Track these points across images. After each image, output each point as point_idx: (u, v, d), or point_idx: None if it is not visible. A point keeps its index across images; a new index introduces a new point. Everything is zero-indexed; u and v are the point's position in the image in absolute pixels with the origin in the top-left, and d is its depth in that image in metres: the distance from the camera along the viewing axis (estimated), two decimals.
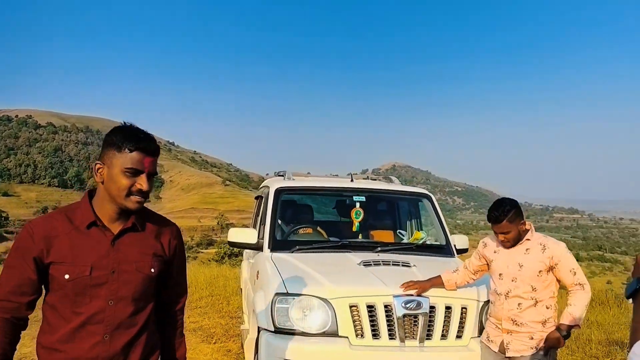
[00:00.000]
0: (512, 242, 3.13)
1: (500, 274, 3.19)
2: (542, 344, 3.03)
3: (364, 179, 6.02)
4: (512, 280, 3.12)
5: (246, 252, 6.15)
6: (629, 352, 1.08)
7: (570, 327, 3.00)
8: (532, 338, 3.06)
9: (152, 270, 1.85)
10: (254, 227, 5.92)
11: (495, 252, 3.27)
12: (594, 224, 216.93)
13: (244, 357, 5.58)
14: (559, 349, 3.18)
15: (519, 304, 3.09)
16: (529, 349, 3.06)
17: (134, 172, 1.74)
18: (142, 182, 1.76)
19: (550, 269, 3.07)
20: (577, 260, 3.17)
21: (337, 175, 6.23)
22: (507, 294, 3.13)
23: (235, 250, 29.93)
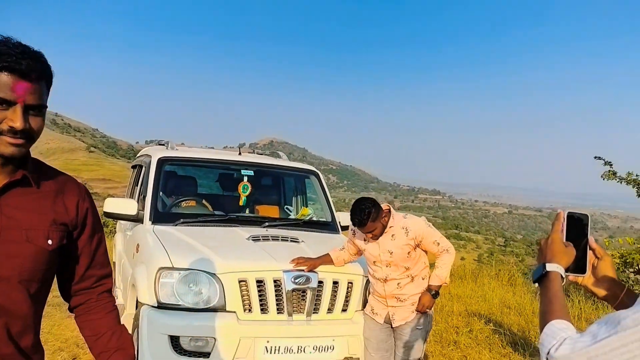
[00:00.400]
0: (379, 235, 3.31)
1: (374, 262, 3.38)
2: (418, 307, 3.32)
3: (250, 152, 5.92)
4: (387, 266, 3.33)
5: (121, 223, 5.80)
6: (540, 334, 1.15)
7: (438, 287, 3.34)
8: (413, 304, 3.34)
9: (50, 242, 1.37)
10: (130, 197, 5.59)
11: (365, 240, 3.42)
12: (453, 205, 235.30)
13: None
14: (432, 311, 3.51)
15: (398, 284, 3.32)
16: (412, 313, 3.33)
17: (2, 103, 1.23)
18: (14, 117, 1.23)
19: (417, 246, 3.32)
20: None
21: (212, 148, 6.07)
22: (385, 279, 3.33)
23: (107, 222, 28.31)
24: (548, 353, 1.07)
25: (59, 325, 5.46)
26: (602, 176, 9.38)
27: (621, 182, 9.18)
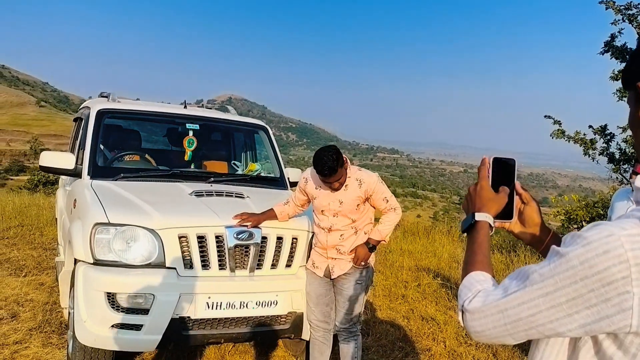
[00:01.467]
0: (341, 185, 3.24)
1: (322, 210, 3.33)
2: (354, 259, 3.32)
3: (198, 107, 5.74)
4: (334, 216, 3.29)
5: (62, 179, 5.59)
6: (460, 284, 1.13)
7: (377, 242, 3.35)
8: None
9: None
10: (72, 151, 5.37)
11: (317, 188, 3.36)
12: (411, 164, 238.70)
13: (57, 290, 5.17)
14: (374, 268, 3.54)
15: (341, 235, 3.30)
16: (351, 266, 3.33)
17: None
18: None
19: (367, 199, 3.30)
20: (395, 196, 3.43)
21: (169, 103, 5.87)
22: (329, 228, 3.30)
23: (52, 178, 27.48)
24: (462, 305, 1.07)
25: None
26: (551, 135, 9.60)
27: (569, 141, 9.43)
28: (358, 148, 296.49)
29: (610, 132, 9.18)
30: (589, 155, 9.27)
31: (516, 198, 1.32)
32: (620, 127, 8.90)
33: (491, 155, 1.32)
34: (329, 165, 3.08)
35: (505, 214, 1.29)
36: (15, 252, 6.68)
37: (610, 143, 9.13)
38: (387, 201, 3.31)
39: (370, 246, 3.32)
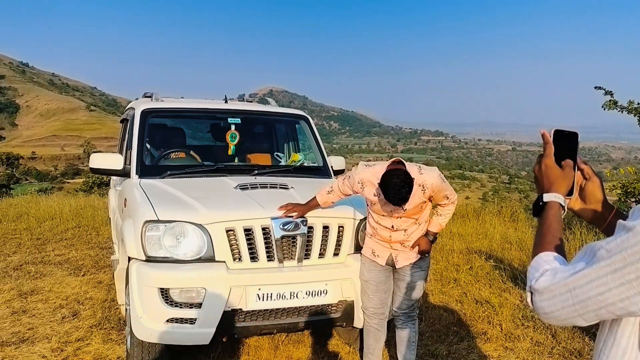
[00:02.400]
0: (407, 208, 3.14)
1: (383, 215, 3.22)
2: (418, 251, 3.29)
3: (239, 101, 5.78)
4: (397, 218, 3.20)
5: (113, 179, 5.75)
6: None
7: (436, 234, 3.34)
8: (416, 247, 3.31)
9: None
10: (120, 152, 5.51)
11: (375, 195, 3.17)
12: (457, 145, 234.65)
13: (115, 288, 5.35)
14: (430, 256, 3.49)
15: (405, 231, 3.24)
16: (415, 256, 3.30)
17: None
18: None
19: (429, 198, 3.19)
20: None
21: (212, 99, 5.94)
22: (391, 227, 3.23)
23: (105, 179, 28.44)
24: (530, 285, 1.03)
25: (60, 283, 5.50)
26: (602, 106, 9.18)
27: (622, 112, 9.00)
28: (401, 133, 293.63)
29: None
30: None
31: (577, 173, 1.24)
32: None
33: (551, 129, 1.24)
34: (400, 196, 2.85)
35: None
36: (74, 252, 6.94)
37: None
38: (448, 197, 3.23)
39: (432, 238, 3.31)
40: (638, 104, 8.81)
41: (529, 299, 1.04)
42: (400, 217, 3.19)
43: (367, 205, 3.36)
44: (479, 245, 7.35)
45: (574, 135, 1.23)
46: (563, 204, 1.18)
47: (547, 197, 1.18)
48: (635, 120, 8.99)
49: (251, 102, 5.81)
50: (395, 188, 2.83)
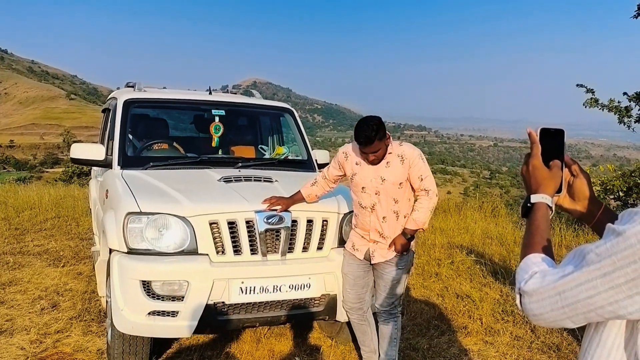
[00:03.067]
0: (380, 159, 3.16)
1: (363, 187, 3.24)
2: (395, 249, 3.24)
3: (223, 92, 5.73)
4: (376, 194, 3.20)
5: (94, 169, 5.67)
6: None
7: (414, 231, 3.23)
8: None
9: None
10: (102, 142, 5.44)
11: (357, 164, 3.27)
12: (439, 140, 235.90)
13: (95, 279, 5.29)
14: (415, 251, 3.46)
15: (383, 217, 3.22)
16: (391, 252, 3.25)
17: None
18: None
19: (408, 177, 3.19)
20: None
21: (195, 90, 5.89)
22: (372, 207, 3.22)
23: (85, 169, 28.08)
24: (519, 287, 1.04)
25: (39, 274, 5.43)
26: (584, 104, 9.31)
27: (603, 110, 9.14)
28: (385, 126, 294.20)
29: None
30: (624, 123, 8.98)
31: (565, 171, 1.25)
32: None
33: (537, 127, 1.25)
34: (366, 134, 3.00)
35: None
36: (53, 243, 6.85)
37: None
38: (422, 180, 3.17)
39: (409, 237, 3.21)
40: (618, 102, 8.96)
41: (518, 301, 1.04)
42: (379, 194, 3.17)
43: (350, 185, 3.36)
44: (460, 240, 7.42)
45: (561, 132, 1.24)
46: (551, 205, 1.19)
47: (534, 199, 1.19)
48: (615, 118, 9.14)
49: (235, 94, 5.77)
50: (363, 126, 3.02)
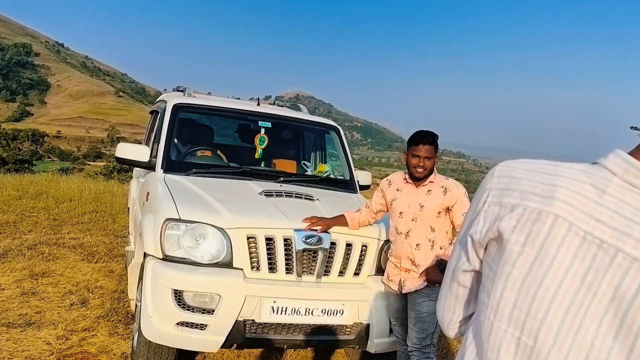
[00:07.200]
0: (426, 171, 3.08)
1: (400, 212, 3.16)
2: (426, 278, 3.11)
3: (270, 104, 5.70)
4: (413, 220, 3.11)
5: (136, 169, 5.71)
6: None
7: None
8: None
9: None
10: (147, 144, 5.47)
11: (398, 190, 3.22)
12: (477, 169, 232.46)
13: (126, 279, 5.29)
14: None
15: (417, 245, 3.11)
16: (423, 283, 3.11)
17: None
18: None
19: (448, 210, 3.11)
20: None
21: (239, 99, 5.88)
22: (407, 233, 3.12)
23: (126, 166, 28.69)
24: None
25: (72, 268, 5.46)
26: None
27: None
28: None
29: None
30: None
31: None
32: None
33: None
34: (425, 134, 3.07)
35: None
36: (89, 237, 6.92)
37: None
38: None
39: (443, 267, 3.05)
40: None
41: None
42: (416, 220, 3.08)
43: (390, 212, 3.28)
44: None
45: None
46: None
47: None
48: None
49: (282, 106, 5.74)
50: (423, 131, 3.11)
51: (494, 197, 0.89)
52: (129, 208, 6.01)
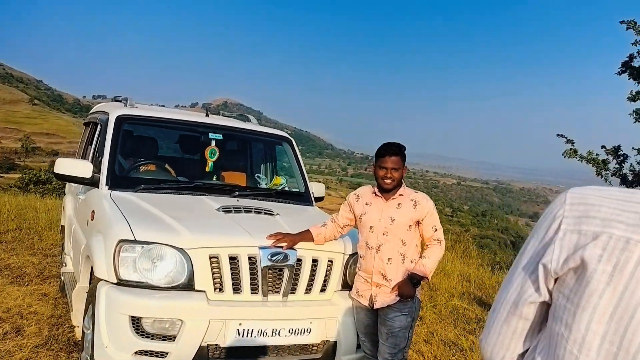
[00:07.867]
0: (394, 182, 3.08)
1: (371, 227, 3.12)
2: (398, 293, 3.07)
3: (214, 115, 5.52)
4: (384, 234, 3.08)
5: (71, 185, 5.33)
6: None
7: (421, 278, 3.06)
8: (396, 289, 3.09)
9: None
10: (82, 157, 5.13)
11: (367, 204, 3.19)
12: (405, 175, 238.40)
13: (62, 302, 4.91)
14: (420, 300, 3.28)
15: (388, 259, 3.08)
16: (394, 298, 3.08)
17: None
18: None
19: (417, 223, 3.11)
20: None
21: (163, 106, 5.67)
22: (378, 247, 3.09)
23: (43, 177, 26.99)
24: None
25: (0, 292, 5.01)
26: (563, 154, 9.45)
27: (582, 161, 9.29)
28: (353, 157, 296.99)
29: (624, 154, 9.05)
30: (602, 176, 9.13)
31: None
32: (635, 149, 8.77)
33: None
34: (396, 145, 3.10)
35: None
36: (15, 257, 6.41)
37: (623, 164, 9.00)
38: (436, 230, 3.12)
39: (415, 281, 3.04)
40: (597, 154, 9.12)
41: None
42: (387, 234, 3.06)
43: (359, 226, 3.24)
44: (439, 281, 7.29)
45: None
46: None
47: None
48: (571, 166, 9.30)
49: (228, 116, 5.56)
50: (390, 143, 3.13)
51: (570, 225, 0.86)
52: (62, 226, 5.61)
